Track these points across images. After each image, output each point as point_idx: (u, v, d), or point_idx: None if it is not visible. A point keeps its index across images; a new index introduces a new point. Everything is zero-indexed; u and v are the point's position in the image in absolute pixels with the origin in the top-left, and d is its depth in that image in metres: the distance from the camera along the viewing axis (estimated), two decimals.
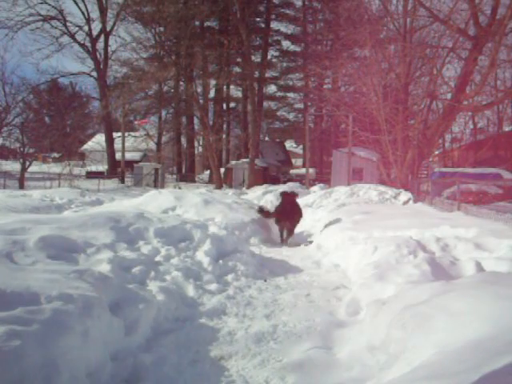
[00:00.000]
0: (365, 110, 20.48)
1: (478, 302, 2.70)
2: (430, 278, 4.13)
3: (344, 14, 23.81)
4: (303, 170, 28.43)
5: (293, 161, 45.42)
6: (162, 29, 31.41)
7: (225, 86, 34.67)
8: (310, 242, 8.03)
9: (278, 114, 42.03)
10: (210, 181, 30.63)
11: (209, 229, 6.16)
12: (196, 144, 38.00)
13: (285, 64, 39.32)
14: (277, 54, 39.14)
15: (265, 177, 28.68)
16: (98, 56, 33.68)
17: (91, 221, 5.32)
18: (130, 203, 9.38)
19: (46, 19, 31.79)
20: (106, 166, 34.40)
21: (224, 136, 36.13)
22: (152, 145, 36.12)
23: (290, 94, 40.74)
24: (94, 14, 34.75)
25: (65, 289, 2.88)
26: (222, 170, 30.43)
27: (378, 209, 9.66)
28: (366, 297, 3.98)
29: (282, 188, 17.54)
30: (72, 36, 32.99)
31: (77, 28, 33.17)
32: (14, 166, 27.70)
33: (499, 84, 25.34)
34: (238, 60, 35.17)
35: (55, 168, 30.36)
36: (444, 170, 20.55)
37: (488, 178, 15.88)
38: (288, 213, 7.95)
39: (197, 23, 31.93)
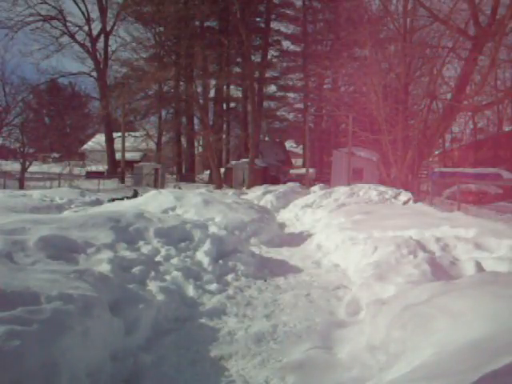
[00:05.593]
0: (365, 109, 20.48)
1: (477, 301, 2.70)
2: (430, 278, 4.13)
3: (344, 14, 23.84)
4: (303, 170, 28.40)
5: (293, 161, 45.40)
6: (161, 29, 31.36)
7: (225, 86, 34.62)
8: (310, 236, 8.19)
9: (278, 113, 41.99)
10: (210, 181, 30.60)
11: (209, 229, 6.17)
12: (196, 144, 37.98)
13: (285, 64, 39.31)
14: (277, 54, 39.11)
15: (265, 177, 28.65)
16: (98, 56, 33.65)
17: (91, 221, 5.32)
18: (130, 203, 9.38)
19: (46, 19, 31.74)
20: (105, 166, 34.38)
21: (224, 136, 36.09)
22: (152, 145, 36.11)
23: (290, 94, 40.75)
24: (94, 14, 34.91)
25: (65, 289, 2.88)
26: (222, 170, 30.40)
27: (378, 209, 9.65)
28: (365, 297, 3.98)
29: (282, 188, 17.56)
30: (72, 36, 32.95)
31: (77, 28, 33.14)
32: (13, 166, 27.68)
33: (499, 84, 25.37)
34: (238, 60, 35.12)
35: (55, 168, 30.35)
36: (444, 169, 20.56)
37: (488, 178, 15.89)
38: None
39: (197, 23, 31.90)
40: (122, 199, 12.21)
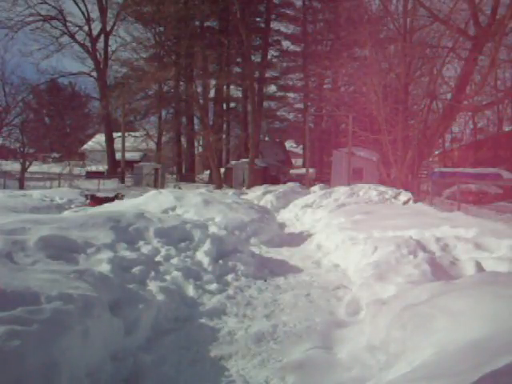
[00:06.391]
0: (365, 109, 20.48)
1: (477, 301, 2.70)
2: (430, 278, 4.14)
3: (344, 14, 23.84)
4: (303, 170, 28.41)
5: (293, 161, 45.39)
6: (161, 29, 31.38)
7: (225, 86, 34.62)
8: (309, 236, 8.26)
9: (278, 114, 41.98)
10: (210, 181, 30.61)
11: (209, 229, 6.17)
12: (196, 144, 37.99)
13: (285, 64, 39.31)
14: (277, 54, 39.13)
15: (265, 177, 28.64)
16: (98, 56, 33.65)
17: (91, 221, 5.32)
18: (130, 203, 9.37)
19: (46, 19, 31.75)
20: (106, 166, 34.37)
21: (224, 136, 36.09)
22: (152, 145, 36.11)
23: (290, 94, 40.73)
24: (94, 14, 34.81)
25: (65, 289, 2.88)
26: (222, 170, 30.41)
27: (378, 209, 9.65)
28: (365, 297, 3.98)
29: (282, 188, 17.55)
30: (72, 36, 32.96)
31: (77, 28, 33.16)
32: (14, 166, 27.69)
33: (499, 84, 25.32)
34: (238, 60, 35.12)
35: (55, 168, 30.36)
36: (444, 169, 20.56)
37: (488, 178, 15.89)
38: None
39: (197, 23, 31.90)
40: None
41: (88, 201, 12.68)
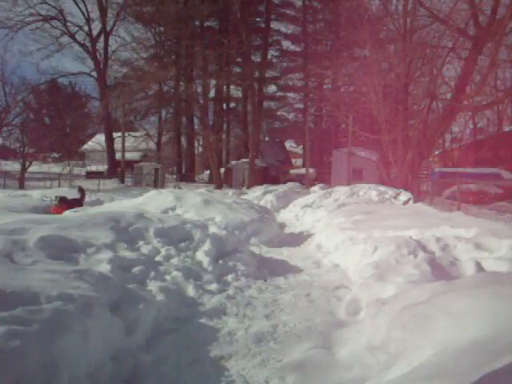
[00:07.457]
0: (365, 109, 20.48)
1: (477, 301, 2.70)
2: (429, 278, 4.13)
3: (344, 14, 23.85)
4: (303, 170, 28.43)
5: (293, 161, 45.40)
6: (162, 29, 31.42)
7: (225, 86, 34.64)
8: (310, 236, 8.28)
9: (278, 114, 42.01)
10: (210, 181, 30.62)
11: (209, 229, 6.16)
12: (196, 144, 38.01)
13: (285, 64, 39.38)
14: (277, 54, 39.22)
15: (265, 177, 28.67)
16: (98, 56, 33.69)
17: (91, 221, 5.31)
18: (130, 203, 9.37)
19: (46, 19, 31.79)
20: (105, 166, 34.39)
21: (224, 136, 36.11)
22: (152, 145, 36.11)
23: (290, 94, 40.78)
24: (94, 14, 34.80)
25: (65, 289, 2.88)
26: (222, 170, 30.42)
27: (378, 209, 9.65)
28: (365, 297, 3.98)
29: (282, 188, 17.56)
30: (72, 36, 33.00)
31: (77, 28, 33.22)
32: (14, 166, 27.70)
33: (499, 84, 25.36)
34: (238, 60, 35.14)
35: (55, 168, 30.37)
36: (444, 169, 20.57)
37: (488, 178, 15.89)
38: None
39: (197, 23, 31.93)
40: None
41: (54, 202, 9.94)
